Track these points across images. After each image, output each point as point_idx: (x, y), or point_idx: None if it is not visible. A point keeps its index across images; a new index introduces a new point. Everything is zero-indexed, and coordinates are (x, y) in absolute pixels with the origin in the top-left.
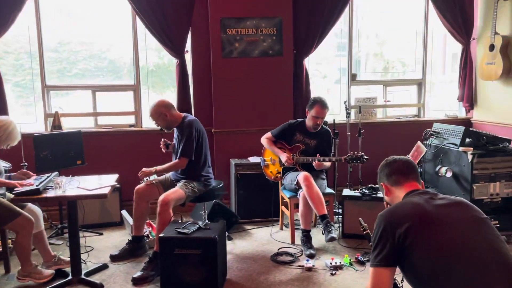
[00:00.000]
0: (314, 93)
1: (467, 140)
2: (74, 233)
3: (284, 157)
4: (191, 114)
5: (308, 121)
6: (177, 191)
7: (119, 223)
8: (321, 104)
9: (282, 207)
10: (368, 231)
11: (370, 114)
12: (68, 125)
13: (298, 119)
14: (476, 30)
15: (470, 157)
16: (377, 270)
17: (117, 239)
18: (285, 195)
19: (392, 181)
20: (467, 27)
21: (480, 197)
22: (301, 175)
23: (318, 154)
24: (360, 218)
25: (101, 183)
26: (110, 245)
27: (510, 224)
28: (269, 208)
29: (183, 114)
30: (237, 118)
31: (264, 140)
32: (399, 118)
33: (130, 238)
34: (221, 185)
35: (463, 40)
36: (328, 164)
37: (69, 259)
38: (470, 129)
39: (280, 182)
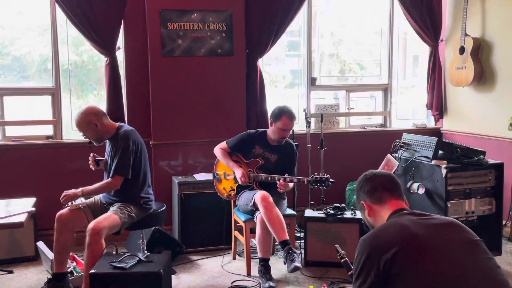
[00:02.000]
0: (270, 98)
1: (440, 152)
2: None
3: (239, 173)
4: (126, 123)
5: (273, 134)
6: (110, 216)
7: (34, 258)
8: (289, 115)
9: (235, 233)
10: (346, 259)
11: (332, 124)
12: None
13: (259, 129)
14: (445, 31)
15: (444, 171)
16: None
17: (32, 278)
18: (239, 218)
19: (375, 199)
20: (435, 27)
21: (455, 215)
22: (259, 195)
23: (286, 174)
24: (336, 245)
25: (9, 210)
26: (23, 286)
27: (487, 245)
28: (220, 234)
29: (117, 124)
30: (180, 127)
31: (218, 150)
32: (363, 127)
33: (50, 276)
34: (163, 208)
35: (431, 41)
36: (291, 185)
37: None
38: (444, 140)
39: (233, 201)
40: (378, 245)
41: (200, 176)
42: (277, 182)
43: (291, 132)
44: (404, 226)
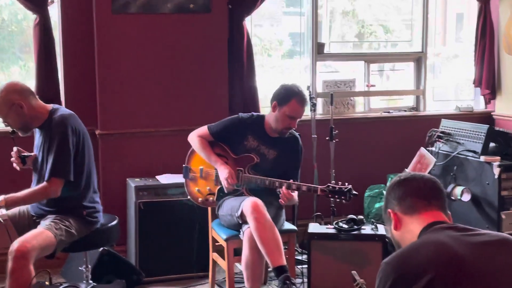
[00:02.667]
0: (261, 72)
1: (491, 145)
2: None
3: (224, 172)
4: (62, 105)
5: (275, 121)
6: (42, 233)
7: None
8: (300, 98)
9: (213, 255)
10: None
11: (346, 106)
12: None
13: (254, 113)
14: None
15: (497, 171)
16: None
17: None
18: (219, 234)
19: (406, 208)
20: None
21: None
22: (248, 203)
23: (291, 180)
24: (352, 272)
25: None
26: None
27: None
28: (192, 257)
29: (50, 106)
30: (137, 112)
31: (194, 138)
32: (388, 112)
33: None
34: (114, 222)
35: None
36: (296, 196)
37: None
38: (497, 129)
39: (211, 210)
40: (406, 270)
41: (166, 179)
42: (278, 189)
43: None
44: (441, 244)
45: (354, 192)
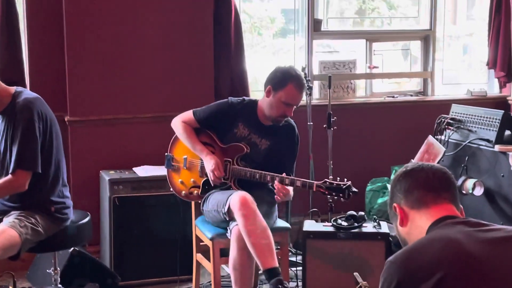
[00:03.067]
0: (251, 53)
1: (507, 133)
2: None
3: (210, 163)
4: (27, 88)
5: (269, 108)
6: (4, 232)
7: None
8: (298, 83)
9: (197, 256)
10: None
11: (346, 90)
12: None
13: (245, 98)
14: None
15: None
16: None
17: None
18: (203, 233)
19: (413, 201)
20: None
21: None
22: (236, 197)
23: (284, 174)
24: (355, 273)
25: None
26: None
27: None
28: (174, 258)
29: (13, 89)
30: (112, 96)
31: (178, 124)
32: (393, 96)
33: None
34: (86, 219)
35: None
36: (292, 191)
37: None
38: None
39: (194, 205)
40: (413, 269)
41: (144, 171)
42: (270, 184)
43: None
44: (452, 241)
45: (354, 189)
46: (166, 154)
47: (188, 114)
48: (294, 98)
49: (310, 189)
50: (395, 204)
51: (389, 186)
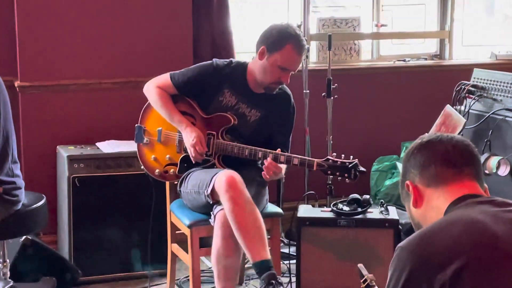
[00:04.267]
0: (236, 9)
1: None
2: None
3: (191, 136)
4: None
5: (262, 72)
6: None
7: None
8: (298, 44)
9: (173, 247)
10: (376, 286)
11: (349, 52)
12: None
13: (233, 60)
14: None
15: None
16: None
17: None
18: (180, 220)
19: (430, 178)
20: None
21: None
22: (222, 176)
23: (279, 149)
24: (359, 265)
25: None
26: None
27: None
28: (144, 249)
29: None
30: (71, 58)
31: (152, 89)
32: (404, 60)
33: None
34: (41, 203)
35: None
36: (284, 169)
37: None
38: None
39: (169, 186)
40: (428, 256)
41: (110, 146)
42: (260, 160)
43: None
44: (474, 222)
45: (362, 168)
46: (136, 125)
47: (164, 78)
48: (293, 62)
49: (310, 168)
50: (408, 182)
51: (398, 165)
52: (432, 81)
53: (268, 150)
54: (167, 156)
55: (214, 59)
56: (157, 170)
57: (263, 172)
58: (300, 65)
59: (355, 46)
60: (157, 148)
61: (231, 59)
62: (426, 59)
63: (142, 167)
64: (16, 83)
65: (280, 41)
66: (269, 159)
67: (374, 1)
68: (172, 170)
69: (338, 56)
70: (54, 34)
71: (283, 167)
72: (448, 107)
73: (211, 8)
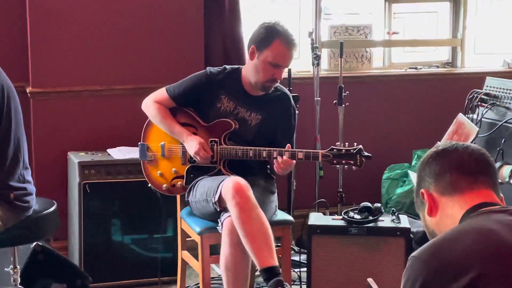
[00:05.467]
0: (248, 17)
1: None
2: None
3: (193, 144)
4: None
5: (254, 73)
6: None
7: None
8: (286, 38)
9: (183, 254)
10: None
11: (360, 60)
12: None
13: (226, 66)
14: None
15: None
16: None
17: None
18: (190, 227)
19: (445, 186)
20: None
21: None
22: (229, 183)
23: (288, 146)
24: (369, 279)
25: None
26: None
27: None
28: (155, 256)
29: None
30: (83, 64)
31: (150, 105)
32: (416, 67)
33: None
34: (52, 209)
35: None
36: (293, 164)
37: None
38: None
39: (180, 197)
40: (442, 266)
41: (120, 153)
42: (268, 160)
43: (286, 71)
44: (488, 232)
45: (366, 153)
46: (139, 143)
47: (161, 92)
48: (283, 57)
49: (315, 160)
50: (423, 190)
51: (410, 173)
52: (444, 89)
53: (272, 148)
54: (173, 169)
55: (207, 68)
56: (164, 185)
57: (275, 166)
58: (311, 73)
59: (366, 54)
60: (161, 164)
61: (224, 65)
62: (438, 67)
63: (150, 184)
64: (28, 89)
65: (268, 38)
66: (279, 157)
67: (386, 8)
68: (179, 183)
69: (349, 64)
70: (65, 41)
71: (293, 162)
72: (460, 116)
73: (222, 14)
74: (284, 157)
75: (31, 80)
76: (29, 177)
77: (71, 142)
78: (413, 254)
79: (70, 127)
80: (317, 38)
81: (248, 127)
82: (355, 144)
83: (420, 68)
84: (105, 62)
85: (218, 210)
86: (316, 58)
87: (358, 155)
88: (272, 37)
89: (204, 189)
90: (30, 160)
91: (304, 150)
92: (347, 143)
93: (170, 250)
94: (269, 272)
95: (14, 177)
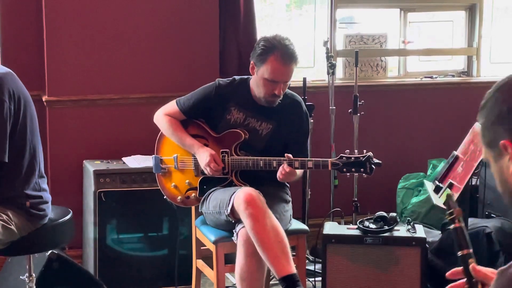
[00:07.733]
0: (262, 25)
1: None
2: None
3: (204, 156)
4: None
5: (256, 87)
6: None
7: None
8: (282, 54)
9: (198, 263)
10: (462, 223)
11: (376, 69)
12: None
13: (236, 77)
14: None
15: None
16: None
17: None
18: (205, 236)
19: None
20: None
21: None
22: (241, 194)
23: (287, 155)
24: (450, 192)
25: None
26: None
27: None
28: (171, 264)
29: None
30: (98, 72)
31: (162, 118)
32: (431, 77)
33: None
34: (67, 217)
35: None
36: (300, 172)
37: None
38: None
39: (194, 209)
40: None
41: (136, 161)
42: (275, 167)
43: (289, 83)
44: None
45: (376, 160)
46: (152, 156)
47: (171, 105)
48: (279, 74)
49: (325, 168)
50: (504, 141)
51: (425, 182)
52: (460, 98)
53: (282, 158)
54: (187, 181)
55: (217, 79)
56: (179, 197)
57: (279, 175)
58: (326, 82)
59: (381, 63)
60: (175, 176)
61: (234, 77)
62: (453, 76)
63: (165, 197)
64: (44, 98)
65: (264, 54)
66: (285, 166)
67: (401, 17)
68: (193, 195)
69: (364, 73)
70: (81, 49)
71: (299, 173)
72: (477, 125)
73: (238, 23)
74: (284, 166)
75: (47, 89)
76: (45, 185)
77: (87, 151)
78: (502, 268)
79: (86, 135)
80: (333, 47)
81: (259, 137)
82: (365, 151)
83: (436, 77)
84: (120, 70)
85: (232, 221)
86: (331, 67)
87: (367, 163)
88: (267, 53)
89: (217, 201)
90: (46, 169)
91: (313, 159)
92: (356, 151)
93: (184, 259)
94: (289, 281)
95: (30, 186)
